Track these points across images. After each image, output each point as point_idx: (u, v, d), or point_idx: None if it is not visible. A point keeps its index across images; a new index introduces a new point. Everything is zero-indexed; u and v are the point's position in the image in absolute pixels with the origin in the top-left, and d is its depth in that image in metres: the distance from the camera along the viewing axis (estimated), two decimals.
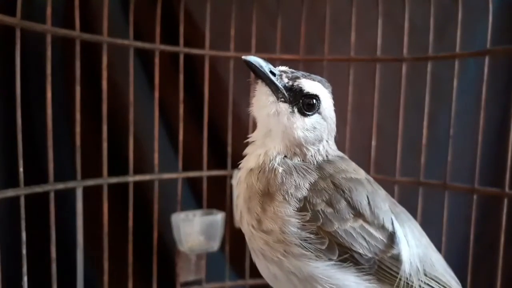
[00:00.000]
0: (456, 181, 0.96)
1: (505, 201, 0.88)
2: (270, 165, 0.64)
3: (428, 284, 0.66)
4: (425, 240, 0.70)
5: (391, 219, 0.66)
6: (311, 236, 0.60)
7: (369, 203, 0.64)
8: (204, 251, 1.03)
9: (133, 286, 1.01)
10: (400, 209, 0.70)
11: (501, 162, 0.90)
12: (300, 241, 0.60)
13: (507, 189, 0.88)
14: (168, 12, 1.11)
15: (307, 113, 0.65)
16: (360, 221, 0.63)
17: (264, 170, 0.64)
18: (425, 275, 0.66)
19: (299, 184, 0.62)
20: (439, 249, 0.87)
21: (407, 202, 0.80)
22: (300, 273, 0.61)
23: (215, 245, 1.04)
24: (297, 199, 0.61)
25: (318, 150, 0.66)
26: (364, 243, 0.62)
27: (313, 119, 0.65)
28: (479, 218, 0.93)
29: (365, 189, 0.66)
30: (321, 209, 0.61)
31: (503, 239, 0.88)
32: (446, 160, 0.96)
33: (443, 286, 0.67)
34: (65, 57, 1.15)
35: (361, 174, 0.69)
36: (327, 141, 0.68)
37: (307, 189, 0.62)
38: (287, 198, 0.61)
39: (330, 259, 0.61)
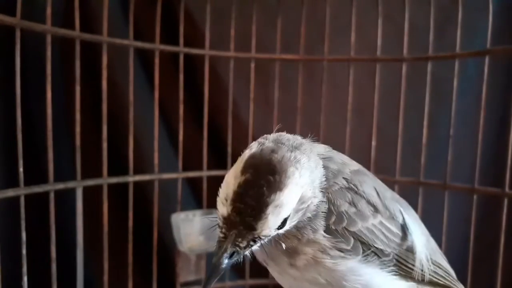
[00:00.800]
0: (456, 181, 0.96)
1: (505, 201, 0.88)
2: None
3: (435, 272, 0.66)
4: (423, 226, 0.71)
5: (400, 209, 0.66)
6: (340, 241, 0.59)
7: (378, 194, 0.64)
8: (204, 251, 1.03)
9: (133, 286, 1.01)
10: (396, 195, 0.70)
11: (501, 162, 0.90)
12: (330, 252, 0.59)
13: (507, 189, 0.88)
14: (168, 12, 1.11)
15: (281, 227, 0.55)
16: (379, 217, 0.62)
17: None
18: (432, 263, 0.66)
19: (315, 225, 0.58)
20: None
21: (407, 202, 0.80)
22: (324, 275, 0.60)
23: (215, 245, 1.04)
24: (321, 226, 0.58)
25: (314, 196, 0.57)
26: (384, 239, 0.62)
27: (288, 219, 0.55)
28: (479, 218, 0.93)
29: (369, 178, 0.65)
30: (344, 210, 0.59)
31: (503, 239, 0.88)
32: (446, 160, 0.96)
33: (445, 271, 0.68)
34: (65, 57, 1.15)
35: (355, 163, 0.68)
36: (311, 175, 0.57)
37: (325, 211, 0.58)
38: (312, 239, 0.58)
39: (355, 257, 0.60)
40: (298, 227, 0.57)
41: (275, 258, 0.61)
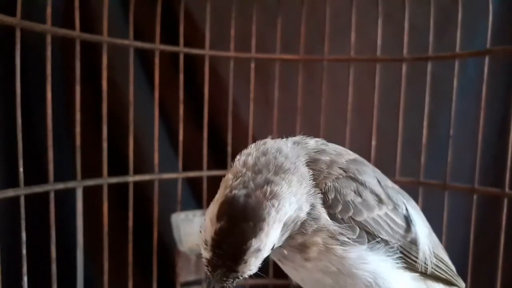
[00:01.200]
0: (456, 181, 0.96)
1: (505, 201, 0.88)
2: None
3: (437, 265, 0.66)
4: (425, 219, 0.70)
5: (403, 200, 0.65)
6: (346, 229, 0.59)
7: (379, 183, 0.64)
8: None
9: (133, 286, 1.01)
10: (397, 186, 0.70)
11: (501, 162, 0.90)
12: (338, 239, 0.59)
13: (507, 189, 0.88)
14: (168, 12, 1.11)
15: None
16: (384, 208, 0.62)
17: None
18: (435, 257, 0.66)
19: (315, 215, 0.58)
20: None
21: None
22: (335, 262, 0.60)
23: None
24: (322, 212, 0.58)
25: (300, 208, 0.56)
26: (389, 230, 0.62)
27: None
28: (479, 218, 0.93)
29: (369, 168, 0.65)
30: (350, 199, 0.59)
31: (503, 239, 0.88)
32: (446, 160, 0.96)
33: (447, 266, 0.68)
34: (65, 57, 1.15)
35: (352, 153, 0.67)
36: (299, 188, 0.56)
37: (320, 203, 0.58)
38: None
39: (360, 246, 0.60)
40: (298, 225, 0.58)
41: (288, 257, 0.61)
